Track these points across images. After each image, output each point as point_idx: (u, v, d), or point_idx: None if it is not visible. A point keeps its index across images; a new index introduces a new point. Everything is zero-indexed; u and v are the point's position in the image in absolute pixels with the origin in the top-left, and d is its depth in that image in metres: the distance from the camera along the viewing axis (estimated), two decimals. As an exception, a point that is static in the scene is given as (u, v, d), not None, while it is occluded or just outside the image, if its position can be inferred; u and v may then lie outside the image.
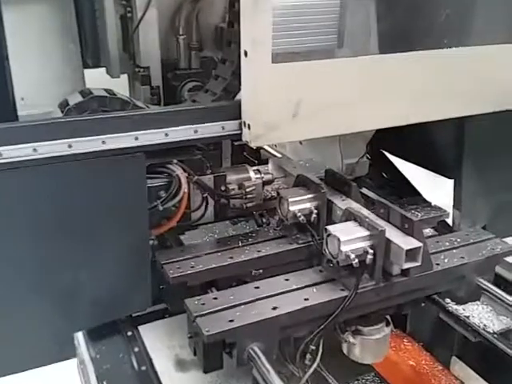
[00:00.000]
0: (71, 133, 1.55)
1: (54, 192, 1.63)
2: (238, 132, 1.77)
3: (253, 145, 1.72)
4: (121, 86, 2.78)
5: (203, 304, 1.68)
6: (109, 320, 1.90)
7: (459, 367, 2.69)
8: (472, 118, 2.05)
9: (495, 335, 1.73)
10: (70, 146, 1.55)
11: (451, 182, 2.38)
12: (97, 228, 1.72)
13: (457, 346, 2.62)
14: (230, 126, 1.77)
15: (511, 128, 2.20)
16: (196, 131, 1.73)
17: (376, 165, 3.00)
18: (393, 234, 1.73)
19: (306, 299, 1.70)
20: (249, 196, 2.17)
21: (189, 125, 1.72)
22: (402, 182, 3.13)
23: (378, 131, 2.86)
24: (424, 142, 2.70)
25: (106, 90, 1.87)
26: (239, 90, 1.72)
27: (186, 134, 1.72)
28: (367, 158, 2.84)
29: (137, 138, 1.64)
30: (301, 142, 3.14)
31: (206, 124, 1.74)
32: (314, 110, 1.70)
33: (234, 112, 1.74)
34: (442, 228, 2.50)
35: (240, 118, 1.75)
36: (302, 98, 1.68)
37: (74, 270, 1.74)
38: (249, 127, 1.70)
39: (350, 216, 1.82)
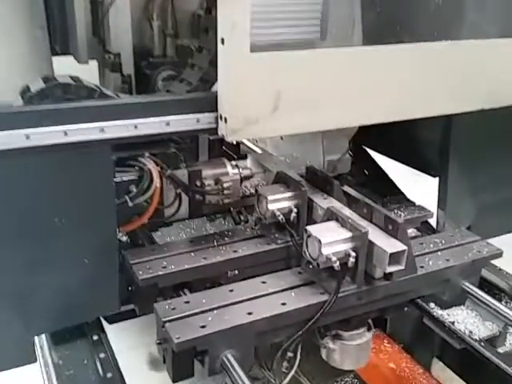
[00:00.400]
0: (29, 123, 1.42)
1: (10, 188, 1.50)
2: (214, 126, 1.65)
3: (229, 139, 1.61)
4: (91, 75, 2.64)
5: (173, 308, 1.58)
6: (73, 324, 1.78)
7: (439, 368, 2.64)
8: (459, 115, 1.97)
9: (481, 343, 1.65)
10: (27, 138, 1.42)
11: (436, 180, 2.30)
12: (59, 226, 1.59)
13: (437, 347, 2.57)
14: (205, 119, 1.65)
15: (500, 126, 2.13)
16: (168, 124, 1.61)
17: (358, 162, 2.92)
18: (376, 236, 1.65)
19: (283, 304, 1.62)
20: (226, 192, 2.07)
21: (160, 117, 1.59)
22: (385, 180, 3.07)
23: (361, 128, 2.79)
24: (408, 139, 2.63)
25: (71, 78, 1.73)
26: (216, 80, 1.61)
27: (158, 127, 1.60)
28: (350, 154, 2.76)
29: (103, 130, 1.52)
30: (282, 138, 3.04)
31: (179, 116, 1.62)
32: (294, 104, 1.60)
33: (210, 104, 1.62)
34: (425, 228, 2.43)
35: (216, 110, 1.63)
36: (282, 90, 1.57)
37: (33, 271, 1.61)
38: (225, 120, 1.59)
39: (331, 216, 1.73)
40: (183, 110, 1.62)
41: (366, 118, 1.76)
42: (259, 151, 2.92)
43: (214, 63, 1.62)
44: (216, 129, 1.64)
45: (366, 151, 3.10)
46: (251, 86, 1.53)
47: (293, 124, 1.64)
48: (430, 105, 1.86)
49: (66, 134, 1.49)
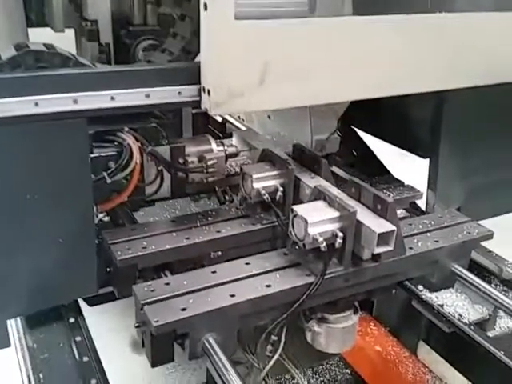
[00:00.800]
0: (-5, 92, 1.32)
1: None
2: (197, 99, 1.56)
3: (213, 113, 1.53)
4: (68, 45, 2.51)
5: (153, 290, 1.51)
6: (48, 307, 1.70)
7: (425, 352, 2.63)
8: (452, 92, 1.90)
9: (471, 326, 1.61)
10: (-6, 108, 1.33)
11: (426, 161, 2.25)
12: (31, 203, 1.50)
13: (424, 331, 2.55)
14: (187, 92, 1.56)
15: (494, 105, 2.07)
16: (148, 96, 1.52)
17: (346, 142, 2.86)
18: (364, 216, 1.59)
19: (267, 286, 1.55)
20: (210, 170, 1.99)
21: (139, 88, 1.50)
22: (373, 160, 3.01)
23: (350, 107, 2.72)
24: (398, 119, 2.57)
25: (45, 45, 1.63)
26: (200, 50, 1.52)
27: (136, 99, 1.51)
28: (338, 134, 2.69)
29: (76, 101, 1.42)
30: (269, 117, 2.97)
31: (159, 88, 1.53)
32: (282, 76, 1.52)
33: (193, 75, 1.53)
34: (414, 210, 2.38)
35: (199, 82, 1.54)
36: (269, 61, 1.49)
37: (4, 251, 1.53)
38: (208, 93, 1.51)
39: (319, 195, 1.66)
40: (164, 81, 1.52)
41: (356, 92, 1.69)
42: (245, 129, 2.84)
43: (197, 33, 1.52)
44: (199, 102, 1.56)
45: (355, 131, 3.04)
46: (236, 56, 1.45)
47: (280, 98, 1.56)
48: (421, 80, 1.79)
49: (36, 104, 1.39)
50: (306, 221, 1.53)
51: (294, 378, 2.41)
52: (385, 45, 1.69)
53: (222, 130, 2.89)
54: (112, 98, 1.47)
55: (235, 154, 2.13)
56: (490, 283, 1.90)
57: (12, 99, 1.36)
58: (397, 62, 1.71)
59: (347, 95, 1.74)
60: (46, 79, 1.40)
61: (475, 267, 1.96)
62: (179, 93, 1.55)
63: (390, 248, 1.57)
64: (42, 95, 1.39)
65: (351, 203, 1.60)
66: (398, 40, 1.71)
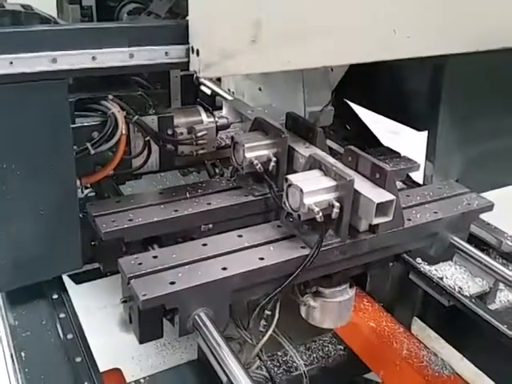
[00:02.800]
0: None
1: None
2: (185, 60, 1.46)
3: (202, 75, 1.43)
4: (48, 9, 2.38)
5: (140, 264, 1.43)
6: (30, 283, 1.61)
7: (419, 328, 2.59)
8: (452, 59, 1.82)
9: (472, 300, 1.55)
10: (-36, 66, 1.22)
11: (424, 132, 2.17)
12: (8, 173, 1.40)
13: (418, 306, 2.51)
14: (174, 52, 1.46)
15: (496, 72, 1.99)
16: (132, 56, 1.42)
17: (340, 116, 2.78)
18: (362, 186, 1.52)
19: (261, 258, 1.48)
20: (200, 142, 1.90)
21: (122, 47, 1.39)
22: (367, 134, 2.94)
23: (343, 79, 2.63)
24: (394, 90, 2.50)
25: (22, 6, 1.52)
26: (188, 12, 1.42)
27: (120, 59, 1.40)
28: (333, 105, 2.60)
29: (55, 61, 1.31)
30: (260, 89, 2.88)
31: (144, 47, 1.43)
32: (276, 35, 1.42)
33: (181, 34, 1.43)
34: (410, 183, 2.32)
35: (187, 42, 1.44)
36: (262, 18, 1.39)
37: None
38: (197, 53, 1.41)
39: (314, 164, 1.58)
40: (149, 40, 1.42)
41: (357, 54, 1.58)
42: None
43: (184, -8, 1.42)
44: (187, 63, 1.46)
45: (348, 105, 2.97)
46: (226, 12, 1.35)
47: (275, 59, 1.46)
48: (418, 44, 1.69)
49: (11, 63, 1.28)
50: (301, 190, 1.45)
51: (286, 355, 2.37)
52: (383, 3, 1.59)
53: (211, 104, 2.79)
54: (93, 58, 1.37)
55: (226, 126, 2.04)
56: (488, 256, 1.84)
57: (-17, 58, 1.26)
58: (397, 23, 1.60)
59: (347, 57, 1.62)
60: (22, 36, 1.29)
61: (473, 240, 1.90)
62: (166, 53, 1.45)
63: (389, 218, 1.50)
64: (17, 53, 1.28)
65: (348, 172, 1.52)
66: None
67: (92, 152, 1.65)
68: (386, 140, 2.86)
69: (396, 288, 2.53)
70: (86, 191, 1.84)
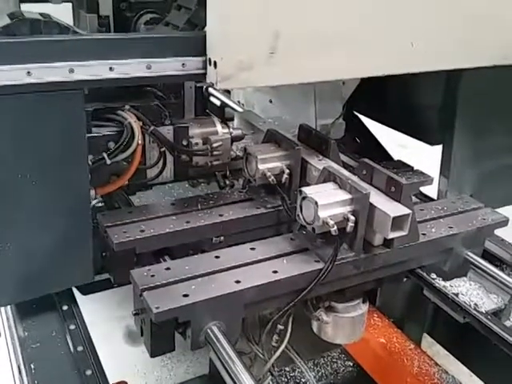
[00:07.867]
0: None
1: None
2: (202, 71, 1.46)
3: (219, 87, 1.42)
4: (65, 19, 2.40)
5: (153, 276, 1.41)
6: (40, 295, 1.59)
7: (428, 345, 2.56)
8: (468, 74, 1.80)
9: (488, 316, 1.52)
10: (-19, 77, 1.22)
11: (439, 147, 2.15)
12: (23, 184, 1.39)
13: (429, 322, 2.48)
14: (191, 64, 1.45)
15: (510, 85, 1.97)
16: (149, 67, 1.41)
17: (350, 129, 2.77)
18: (377, 199, 1.50)
19: (274, 272, 1.46)
20: (215, 153, 1.88)
21: (140, 58, 1.39)
22: (378, 148, 2.93)
23: (355, 92, 2.63)
24: (406, 104, 2.48)
25: (41, 15, 1.52)
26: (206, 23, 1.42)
27: (137, 70, 1.40)
28: (344, 119, 2.60)
29: (72, 71, 1.31)
30: (271, 101, 2.87)
31: (162, 59, 1.42)
32: (295, 47, 1.41)
33: (198, 46, 1.42)
34: (423, 198, 2.30)
35: (205, 53, 1.44)
36: (280, 30, 1.38)
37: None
38: (215, 65, 1.40)
39: (328, 176, 1.57)
40: (167, 51, 1.42)
41: (375, 67, 1.57)
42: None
43: (202, 3, 1.42)
44: (204, 75, 1.45)
45: (358, 118, 2.96)
46: (245, 24, 1.34)
47: (293, 72, 1.45)
48: (436, 57, 1.68)
49: (29, 73, 1.28)
50: (316, 203, 1.44)
51: (294, 370, 2.33)
52: (404, 14, 1.57)
53: (220, 115, 2.78)
54: (111, 69, 1.36)
55: (241, 137, 2.03)
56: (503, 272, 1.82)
57: (1, 67, 1.25)
58: (414, 35, 1.59)
59: (365, 70, 1.60)
60: (40, 46, 1.29)
61: (487, 256, 1.87)
62: (183, 64, 1.45)
63: (405, 233, 1.48)
64: (34, 63, 1.28)
65: (364, 185, 1.51)
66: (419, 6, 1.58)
67: (108, 162, 1.64)
68: (395, 154, 2.85)
69: (406, 303, 2.51)
70: (93, 201, 1.83)
